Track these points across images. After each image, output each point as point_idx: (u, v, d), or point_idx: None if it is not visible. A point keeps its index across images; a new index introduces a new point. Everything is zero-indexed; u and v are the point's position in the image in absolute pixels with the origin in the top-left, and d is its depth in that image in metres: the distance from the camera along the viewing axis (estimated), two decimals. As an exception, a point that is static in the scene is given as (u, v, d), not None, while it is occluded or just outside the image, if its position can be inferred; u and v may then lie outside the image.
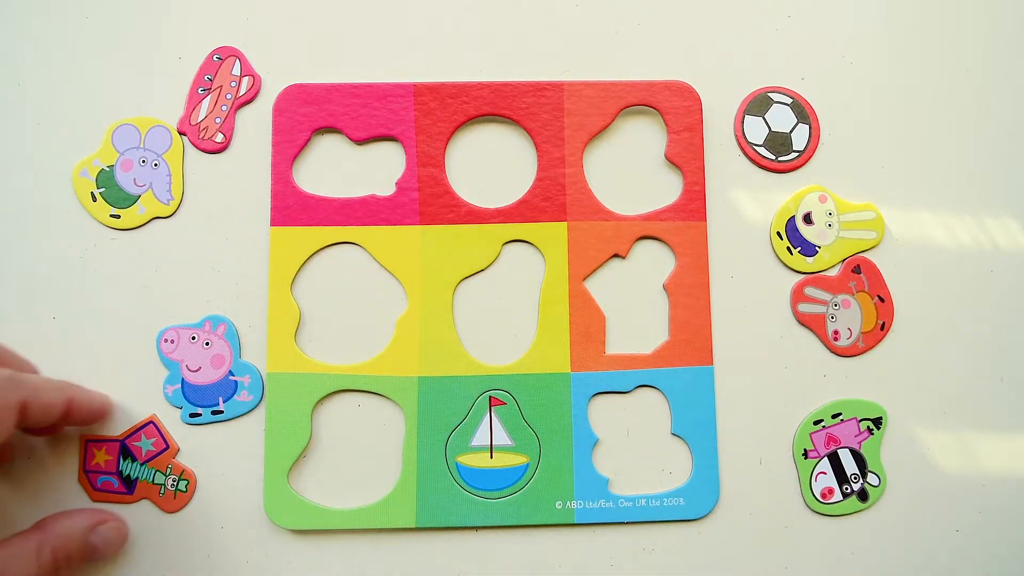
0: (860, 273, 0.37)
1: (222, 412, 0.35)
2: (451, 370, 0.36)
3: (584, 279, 0.36)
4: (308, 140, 0.37)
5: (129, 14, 0.38)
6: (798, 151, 0.38)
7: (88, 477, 0.35)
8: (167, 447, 0.35)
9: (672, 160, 0.37)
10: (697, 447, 0.36)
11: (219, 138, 0.37)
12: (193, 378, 0.35)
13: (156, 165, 0.37)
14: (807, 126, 0.38)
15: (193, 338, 0.36)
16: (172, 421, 0.35)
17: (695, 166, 0.37)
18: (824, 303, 0.37)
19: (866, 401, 0.37)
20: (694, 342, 0.36)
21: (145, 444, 0.35)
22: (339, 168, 0.37)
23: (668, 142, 0.37)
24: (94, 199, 0.36)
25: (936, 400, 0.37)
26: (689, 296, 0.36)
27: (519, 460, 0.35)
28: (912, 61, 0.39)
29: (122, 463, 0.35)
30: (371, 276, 0.37)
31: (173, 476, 0.35)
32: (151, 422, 0.35)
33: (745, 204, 0.38)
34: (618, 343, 0.36)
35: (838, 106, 0.38)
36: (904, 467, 0.36)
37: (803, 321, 0.37)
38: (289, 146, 0.37)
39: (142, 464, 0.35)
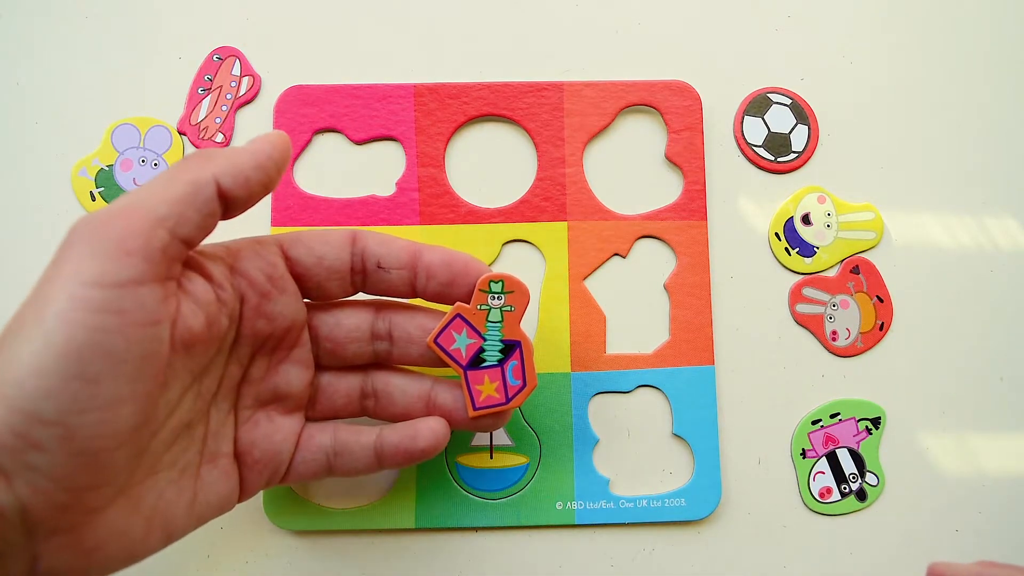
0: (859, 273, 0.37)
1: (222, 412, 0.35)
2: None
3: (584, 279, 0.36)
4: (309, 141, 0.37)
5: (129, 14, 0.38)
6: (797, 152, 0.38)
7: None
8: None
9: (672, 160, 0.37)
10: (699, 447, 0.35)
11: (219, 138, 0.37)
12: (193, 378, 0.35)
13: (156, 165, 0.37)
14: (806, 127, 0.38)
15: (193, 338, 0.35)
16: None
17: (695, 165, 0.37)
18: (822, 304, 0.37)
19: (864, 401, 0.37)
20: (695, 342, 0.36)
21: None
22: (339, 168, 0.37)
23: (668, 142, 0.37)
24: (93, 199, 0.36)
25: (935, 400, 0.37)
26: (690, 296, 0.36)
27: (519, 460, 0.35)
28: (912, 61, 0.39)
29: None
30: (371, 276, 0.37)
31: None
32: None
33: (744, 205, 0.38)
34: (618, 343, 0.36)
35: (837, 107, 0.39)
36: (903, 467, 0.36)
37: (801, 322, 0.37)
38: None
39: None
